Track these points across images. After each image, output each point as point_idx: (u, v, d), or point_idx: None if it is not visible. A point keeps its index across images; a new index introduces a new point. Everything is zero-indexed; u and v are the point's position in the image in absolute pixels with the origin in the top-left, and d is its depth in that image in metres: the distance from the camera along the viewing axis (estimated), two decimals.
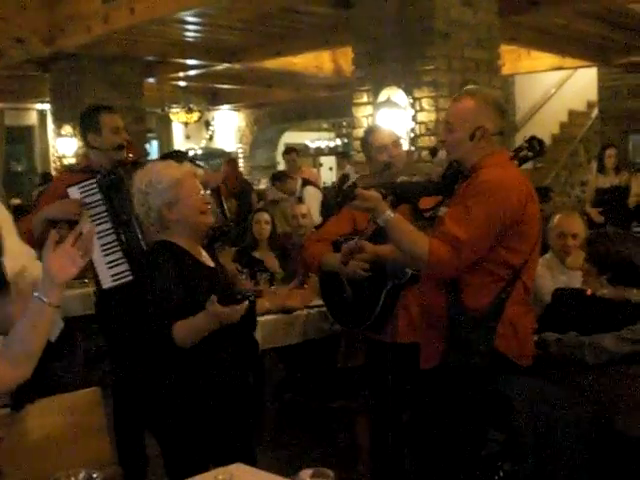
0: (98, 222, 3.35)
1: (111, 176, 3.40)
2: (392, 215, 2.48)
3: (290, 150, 8.92)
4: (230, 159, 11.49)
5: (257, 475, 1.97)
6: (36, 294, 1.82)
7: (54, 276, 1.81)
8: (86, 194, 3.39)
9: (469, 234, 2.39)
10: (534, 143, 2.58)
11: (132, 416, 3.58)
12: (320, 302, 4.49)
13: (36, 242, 3.04)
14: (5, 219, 2.55)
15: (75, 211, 3.31)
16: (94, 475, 1.43)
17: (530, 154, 2.58)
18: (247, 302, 2.49)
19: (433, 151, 2.91)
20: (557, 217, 4.09)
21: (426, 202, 2.75)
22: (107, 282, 3.34)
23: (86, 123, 3.65)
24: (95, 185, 3.42)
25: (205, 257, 2.71)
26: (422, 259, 2.44)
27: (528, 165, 2.73)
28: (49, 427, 2.41)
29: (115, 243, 3.37)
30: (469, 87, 2.72)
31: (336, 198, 2.68)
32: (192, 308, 2.50)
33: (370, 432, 3.59)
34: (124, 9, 6.51)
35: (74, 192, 3.41)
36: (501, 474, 2.27)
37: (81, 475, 1.44)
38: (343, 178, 2.63)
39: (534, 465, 2.32)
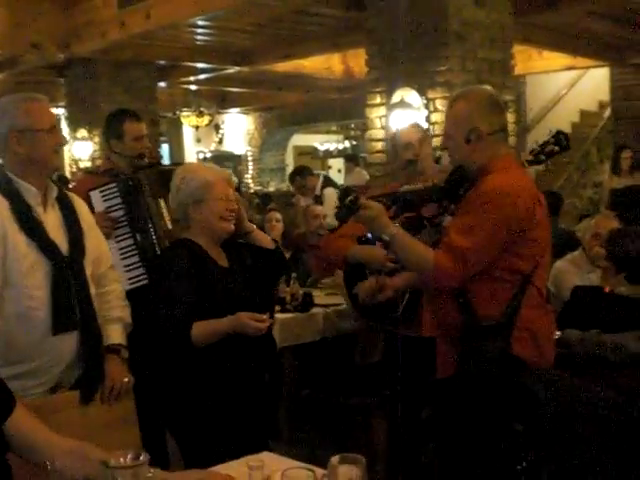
0: (117, 226, 3.42)
1: (129, 182, 3.46)
2: (396, 229, 2.46)
3: (298, 172, 8.56)
4: None
5: (286, 462, 1.99)
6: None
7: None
8: (106, 197, 3.46)
9: (473, 244, 2.35)
10: (561, 137, 2.56)
11: (152, 412, 3.62)
12: (337, 300, 4.56)
13: None
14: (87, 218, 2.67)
15: (105, 227, 3.36)
16: (141, 456, 1.48)
17: (557, 148, 2.57)
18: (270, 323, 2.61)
19: (436, 161, 2.85)
20: (595, 218, 4.20)
21: (428, 210, 2.73)
22: (125, 285, 3.39)
23: (110, 128, 3.70)
24: (115, 189, 3.47)
25: (222, 258, 2.77)
26: (427, 272, 2.42)
27: (540, 167, 2.72)
28: (80, 414, 2.44)
29: (133, 247, 3.43)
30: (462, 89, 2.71)
31: (338, 212, 2.60)
32: (203, 307, 2.59)
33: (387, 428, 3.62)
34: (140, 15, 6.58)
35: (95, 195, 3.47)
36: (524, 464, 2.29)
37: (129, 456, 1.49)
38: (345, 192, 2.61)
39: (557, 456, 2.35)
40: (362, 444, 4.22)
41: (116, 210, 3.47)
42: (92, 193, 3.48)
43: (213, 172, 2.76)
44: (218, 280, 2.67)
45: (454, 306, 2.49)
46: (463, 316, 2.46)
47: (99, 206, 3.47)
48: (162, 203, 3.44)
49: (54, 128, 2.50)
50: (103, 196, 3.48)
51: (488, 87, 2.63)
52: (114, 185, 3.49)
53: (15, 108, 2.45)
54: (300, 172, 8.31)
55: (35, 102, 2.49)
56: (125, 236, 3.45)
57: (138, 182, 3.43)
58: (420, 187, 2.85)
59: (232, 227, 2.74)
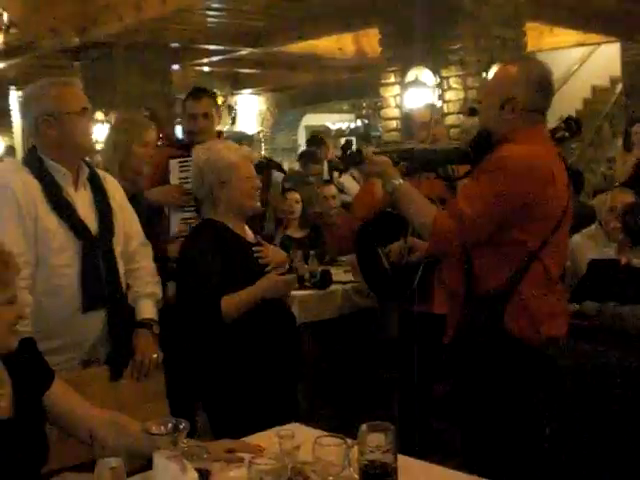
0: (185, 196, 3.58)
1: None
2: (401, 182, 2.42)
3: (301, 159, 8.34)
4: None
5: (315, 432, 2.00)
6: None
7: None
8: (183, 169, 3.62)
9: (476, 211, 2.31)
10: (571, 123, 2.58)
11: (183, 386, 3.70)
12: (355, 277, 4.61)
13: None
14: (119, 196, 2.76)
15: (176, 198, 3.54)
16: (181, 425, 1.54)
17: (567, 134, 2.57)
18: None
19: (471, 111, 2.71)
20: (612, 192, 4.29)
21: (462, 170, 2.66)
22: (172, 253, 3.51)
23: None
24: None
25: (248, 234, 2.86)
26: (426, 229, 2.40)
27: None
28: (110, 389, 2.51)
29: (193, 220, 3.54)
30: (526, 56, 2.62)
31: (340, 164, 2.50)
32: (231, 282, 2.66)
33: (399, 402, 3.67)
34: None
35: (174, 165, 3.66)
36: (548, 432, 2.34)
37: (170, 424, 1.55)
38: (347, 144, 2.61)
39: (580, 425, 2.39)
40: (382, 418, 4.25)
41: (190, 182, 3.63)
42: (172, 161, 3.67)
43: (235, 152, 2.82)
44: (244, 253, 2.75)
45: (460, 274, 2.48)
46: (466, 284, 2.46)
47: (175, 175, 3.66)
48: None
49: (85, 110, 2.54)
50: (181, 167, 3.64)
51: (548, 66, 2.50)
52: (192, 158, 3.65)
53: (44, 93, 2.51)
54: (303, 161, 8.13)
55: (65, 86, 2.56)
56: (190, 207, 3.61)
57: None
58: (439, 147, 2.83)
59: (258, 204, 2.83)
